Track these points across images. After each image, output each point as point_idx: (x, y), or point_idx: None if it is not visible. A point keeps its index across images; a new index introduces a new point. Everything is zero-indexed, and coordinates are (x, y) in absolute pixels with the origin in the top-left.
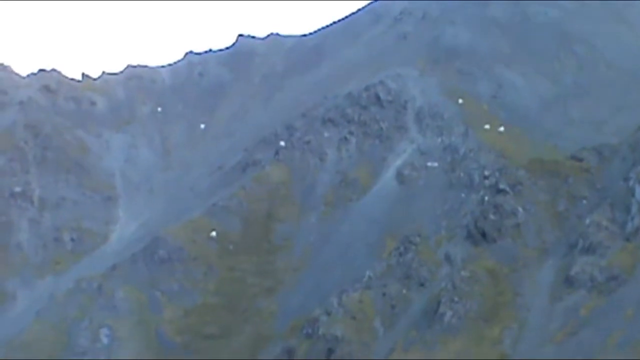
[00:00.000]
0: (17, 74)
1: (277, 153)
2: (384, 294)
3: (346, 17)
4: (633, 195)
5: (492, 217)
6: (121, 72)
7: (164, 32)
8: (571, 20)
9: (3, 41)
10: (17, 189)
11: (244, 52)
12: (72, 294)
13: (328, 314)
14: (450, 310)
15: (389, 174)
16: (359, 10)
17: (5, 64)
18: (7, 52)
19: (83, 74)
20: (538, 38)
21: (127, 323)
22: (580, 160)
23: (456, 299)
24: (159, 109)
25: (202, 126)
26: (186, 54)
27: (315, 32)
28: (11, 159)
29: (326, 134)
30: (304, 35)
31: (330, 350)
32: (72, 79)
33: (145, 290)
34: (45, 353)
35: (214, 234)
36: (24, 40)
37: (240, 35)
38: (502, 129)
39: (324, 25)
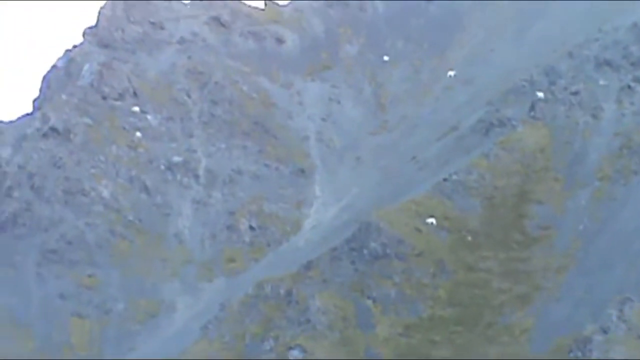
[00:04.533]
0: (178, 1)
1: (532, 108)
2: None
3: None
4: None
5: None
6: None
7: None
8: None
9: None
10: (177, 159)
11: None
12: (251, 303)
13: (605, 331)
14: None
15: None
16: None
17: None
18: None
19: (266, 2)
20: None
21: (325, 343)
22: None
23: None
24: (373, 51)
25: (452, 73)
26: None
27: None
28: (169, 117)
29: (602, 82)
30: None
31: None
32: (251, 7)
33: (351, 297)
34: None
35: (431, 220)
36: None
37: None
38: None
39: None
